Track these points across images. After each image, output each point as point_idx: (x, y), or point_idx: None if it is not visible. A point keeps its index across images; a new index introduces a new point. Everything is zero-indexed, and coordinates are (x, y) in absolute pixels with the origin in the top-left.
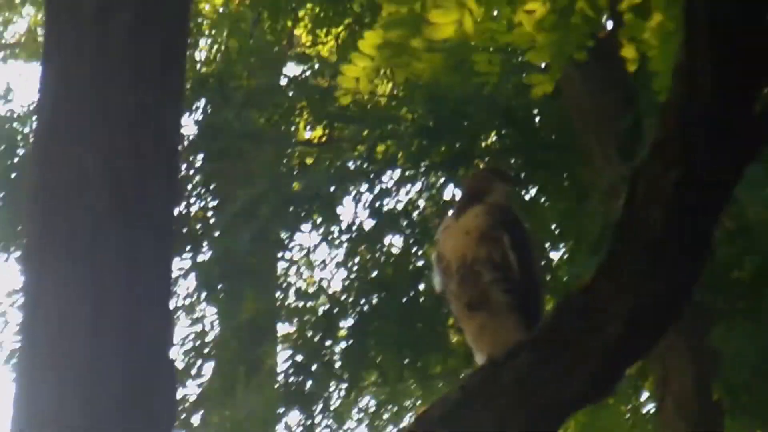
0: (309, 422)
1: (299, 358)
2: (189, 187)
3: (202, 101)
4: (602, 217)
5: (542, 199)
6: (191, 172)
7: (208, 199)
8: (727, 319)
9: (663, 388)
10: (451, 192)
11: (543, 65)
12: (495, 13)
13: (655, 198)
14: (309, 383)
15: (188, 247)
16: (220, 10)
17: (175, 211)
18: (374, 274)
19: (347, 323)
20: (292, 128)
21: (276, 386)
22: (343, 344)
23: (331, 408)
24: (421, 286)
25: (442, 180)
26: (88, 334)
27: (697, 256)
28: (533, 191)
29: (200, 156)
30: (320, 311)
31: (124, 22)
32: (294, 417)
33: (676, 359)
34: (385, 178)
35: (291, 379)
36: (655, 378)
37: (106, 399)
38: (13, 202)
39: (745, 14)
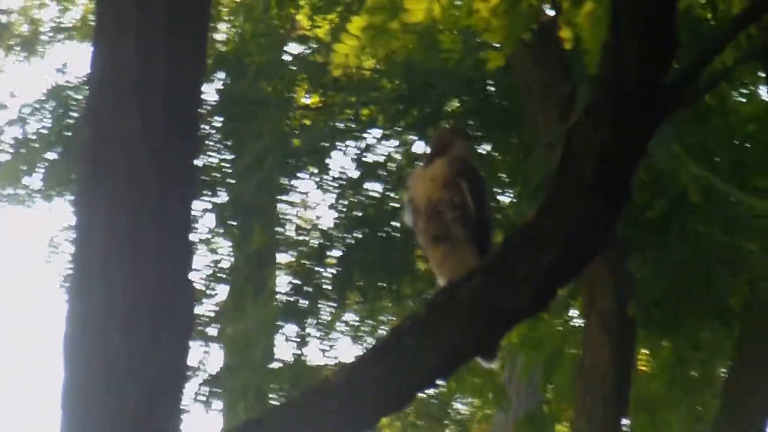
0: (302, 334)
1: (296, 281)
2: (209, 143)
3: (222, 74)
4: (543, 169)
5: (495, 154)
6: (212, 131)
7: (225, 153)
8: (642, 250)
9: (589, 306)
10: (421, 147)
11: (497, 44)
12: (458, 2)
13: (586, 153)
14: (303, 302)
15: (208, 192)
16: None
17: (197, 162)
18: (358, 214)
19: (335, 254)
20: (294, 96)
21: (276, 304)
22: (332, 270)
23: (321, 322)
24: (396, 224)
25: (414, 138)
26: (127, 259)
27: (618, 199)
28: (487, 147)
29: (219, 118)
30: (314, 244)
31: (160, 9)
32: (291, 329)
33: (601, 282)
34: (368, 136)
35: (289, 299)
36: (583, 297)
37: (140, 309)
38: (67, 155)
39: (659, 3)
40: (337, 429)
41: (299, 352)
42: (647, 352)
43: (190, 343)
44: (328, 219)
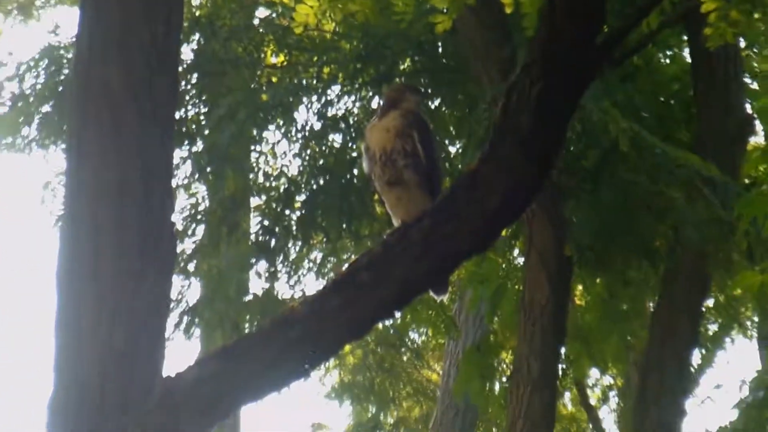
0: (272, 269)
1: (266, 222)
2: (186, 97)
3: (197, 35)
4: (486, 122)
5: (443, 108)
6: (188, 87)
7: (201, 107)
8: (576, 196)
9: (529, 246)
10: (377, 102)
11: (444, 8)
12: None
13: (524, 107)
14: (273, 241)
15: (186, 141)
16: None
17: (176, 115)
18: (321, 162)
19: (301, 198)
20: (262, 55)
21: (249, 243)
22: (298, 213)
23: (289, 260)
24: (355, 171)
25: (370, 93)
26: (115, 198)
27: (554, 149)
28: (437, 102)
29: (195, 75)
30: (281, 189)
31: None
32: (262, 266)
33: (539, 224)
34: (329, 93)
35: (260, 238)
36: (523, 238)
37: (128, 245)
38: (60, 108)
39: None
40: (302, 354)
41: (269, 286)
42: (582, 288)
43: (172, 277)
44: (294, 167)
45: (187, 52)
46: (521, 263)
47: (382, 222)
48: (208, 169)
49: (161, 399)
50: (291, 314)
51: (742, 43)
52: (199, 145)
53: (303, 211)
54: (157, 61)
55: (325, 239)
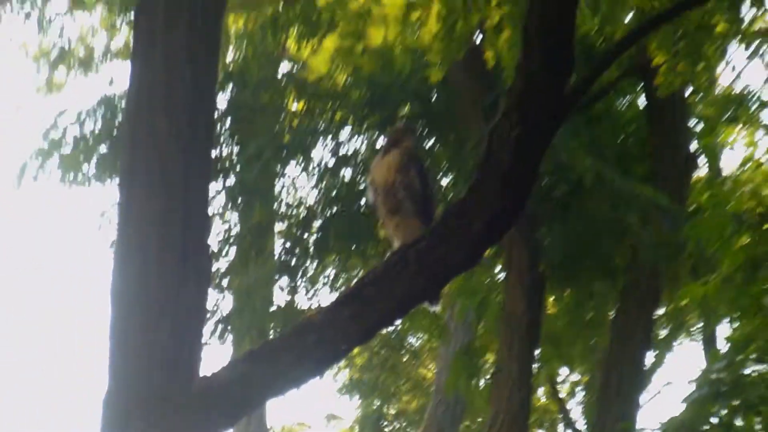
0: (293, 285)
1: (288, 245)
2: (221, 139)
3: (230, 85)
4: (473, 159)
5: (436, 147)
6: (223, 130)
7: (233, 147)
8: (548, 222)
9: (508, 265)
10: (381, 142)
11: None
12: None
13: (504, 147)
14: (294, 260)
15: (220, 176)
16: (242, 29)
17: (212, 153)
18: (334, 193)
19: (317, 224)
20: (285, 103)
21: (273, 262)
22: (315, 236)
23: (308, 276)
24: (362, 201)
25: (376, 134)
26: (160, 224)
27: (529, 183)
28: (431, 141)
29: (228, 120)
30: (301, 216)
31: (182, 33)
32: (284, 281)
33: (517, 246)
34: (341, 134)
35: (283, 258)
36: (504, 257)
37: (171, 263)
38: (114, 148)
39: (559, 30)
40: (318, 356)
41: (290, 298)
42: (553, 299)
43: (208, 291)
44: (311, 197)
45: (221, 101)
46: (502, 278)
47: (385, 244)
48: (239, 200)
49: (199, 394)
50: (309, 323)
51: (689, 91)
52: (232, 180)
53: (319, 235)
54: (197, 109)
55: (337, 259)
